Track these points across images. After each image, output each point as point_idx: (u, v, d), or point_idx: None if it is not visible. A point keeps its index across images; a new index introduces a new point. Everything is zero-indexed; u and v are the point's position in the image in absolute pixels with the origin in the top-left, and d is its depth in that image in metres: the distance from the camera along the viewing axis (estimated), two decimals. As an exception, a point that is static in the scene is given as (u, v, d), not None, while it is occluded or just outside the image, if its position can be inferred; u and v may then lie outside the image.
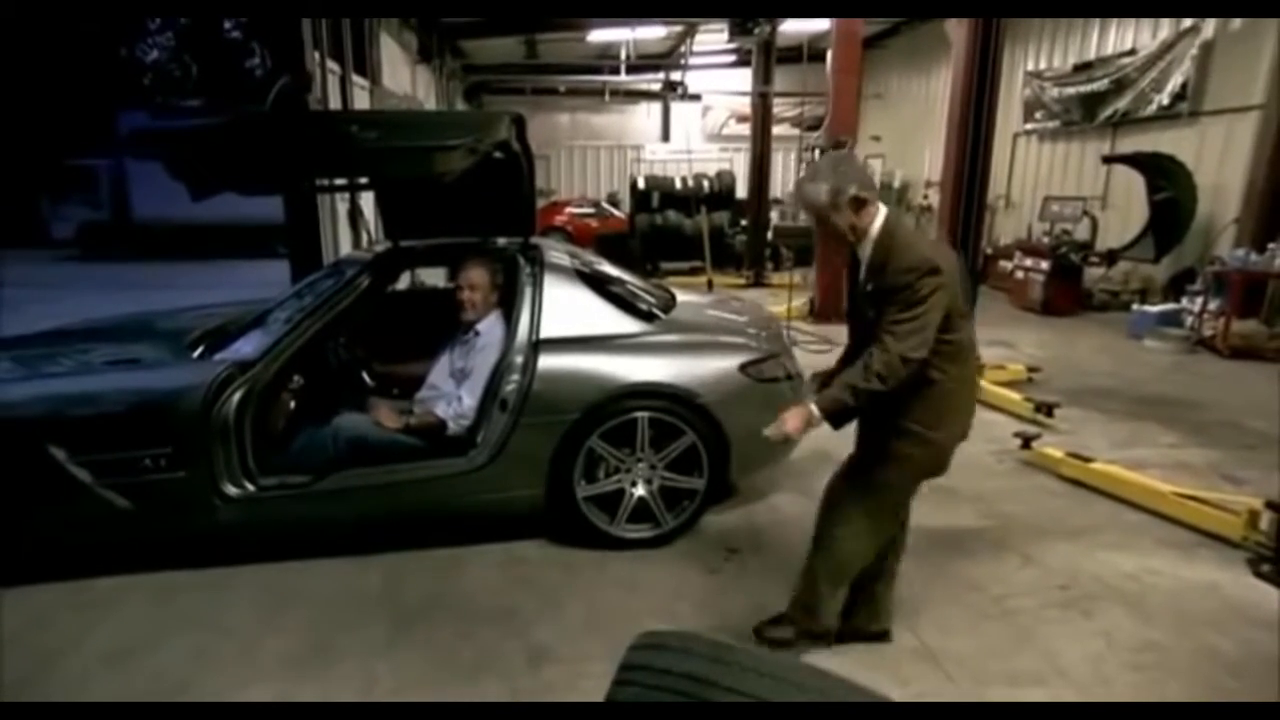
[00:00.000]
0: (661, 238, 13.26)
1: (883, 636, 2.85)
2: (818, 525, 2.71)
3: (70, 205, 18.20)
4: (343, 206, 8.20)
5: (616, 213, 17.35)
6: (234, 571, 3.34)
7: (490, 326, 3.71)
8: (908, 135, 16.67)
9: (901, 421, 2.47)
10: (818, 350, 7.49)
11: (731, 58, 18.52)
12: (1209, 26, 9.56)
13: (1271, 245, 7.82)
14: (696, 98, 18.87)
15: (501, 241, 4.07)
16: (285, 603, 3.13)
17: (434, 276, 6.89)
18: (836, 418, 2.46)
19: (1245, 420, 5.48)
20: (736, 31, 12.89)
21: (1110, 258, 10.20)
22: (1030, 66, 13.02)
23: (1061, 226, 11.00)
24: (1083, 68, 11.72)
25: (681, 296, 4.38)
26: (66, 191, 18.21)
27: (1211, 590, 3.25)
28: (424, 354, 4.00)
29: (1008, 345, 7.63)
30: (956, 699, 2.56)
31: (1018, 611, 3.08)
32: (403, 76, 12.64)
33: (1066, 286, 9.78)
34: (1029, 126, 13.12)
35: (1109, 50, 11.34)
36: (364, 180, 4.66)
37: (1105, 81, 11.18)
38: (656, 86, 19.94)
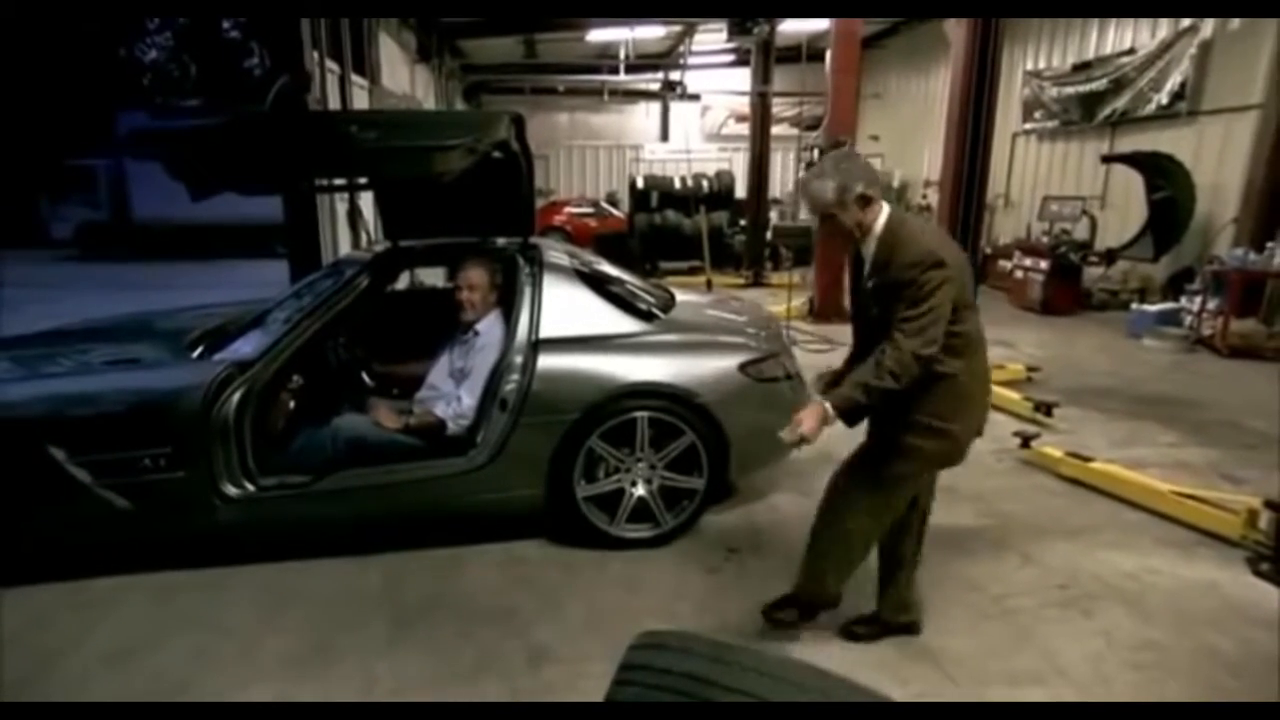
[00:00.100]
0: (660, 237, 13.26)
1: (911, 629, 2.88)
2: (822, 510, 2.73)
3: (69, 205, 18.20)
4: (342, 206, 8.20)
5: (615, 212, 17.35)
6: (233, 571, 3.34)
7: (489, 326, 3.71)
8: (907, 135, 16.68)
9: (914, 415, 2.47)
10: (817, 350, 7.50)
11: (730, 57, 18.52)
12: (1207, 26, 9.56)
13: (1270, 244, 7.82)
14: (695, 97, 18.86)
15: (501, 241, 4.06)
16: (285, 603, 3.13)
17: (433, 276, 6.89)
18: (850, 415, 2.46)
19: (1244, 419, 5.48)
20: (735, 31, 12.90)
21: (1109, 257, 10.21)
22: (1029, 66, 13.03)
23: (1060, 226, 11.00)
24: (1081, 67, 11.73)
25: (681, 296, 4.38)
26: (66, 192, 18.21)
27: (1211, 589, 3.25)
28: (423, 354, 4.00)
29: (1007, 345, 7.63)
30: (956, 699, 2.56)
31: (1017, 611, 3.08)
32: (401, 76, 12.63)
33: (1065, 286, 9.79)
34: (1028, 126, 13.12)
35: (1108, 50, 11.34)
36: (363, 180, 4.66)
37: (1104, 81, 11.19)
38: (655, 86, 19.94)
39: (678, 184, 13.89)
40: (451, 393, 3.64)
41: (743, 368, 3.63)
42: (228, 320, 4.03)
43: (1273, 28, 8.56)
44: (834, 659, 2.71)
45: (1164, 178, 9.48)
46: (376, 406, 3.65)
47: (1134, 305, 8.97)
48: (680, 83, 17.82)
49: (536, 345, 3.47)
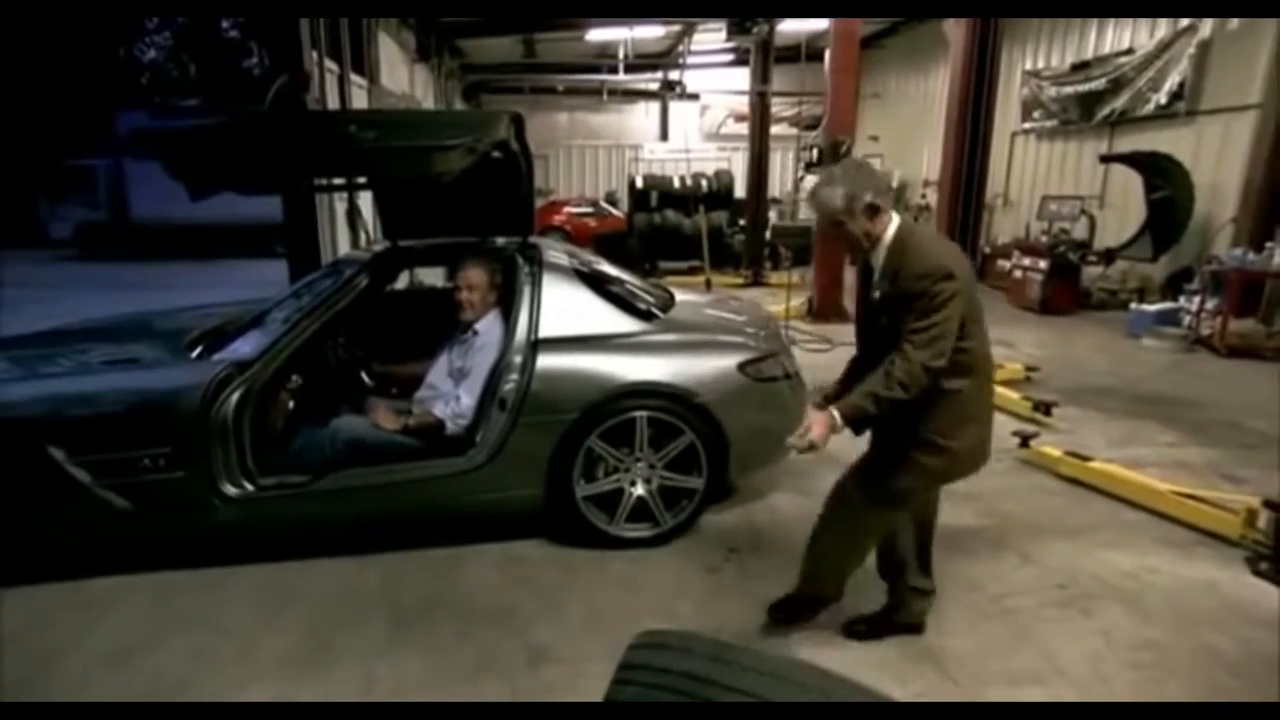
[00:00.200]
0: (660, 237, 13.26)
1: (912, 628, 2.89)
2: (824, 515, 2.75)
3: (69, 205, 18.19)
4: (341, 206, 8.19)
5: (615, 212, 17.35)
6: (232, 571, 3.34)
7: (489, 326, 3.70)
8: (906, 135, 16.68)
9: (916, 430, 2.47)
10: (816, 349, 7.50)
11: (730, 57, 18.51)
12: (1206, 26, 9.57)
13: (1269, 244, 7.83)
14: (695, 97, 18.84)
15: (500, 241, 4.06)
16: (284, 602, 3.13)
17: (432, 276, 6.89)
18: (858, 424, 2.46)
19: (1243, 419, 5.49)
20: (735, 31, 12.90)
21: (1108, 257, 10.21)
22: (1028, 66, 13.03)
23: (1059, 225, 11.01)
24: (1080, 67, 11.73)
25: (680, 296, 4.38)
26: (65, 191, 18.21)
27: (1210, 589, 3.25)
28: (422, 354, 4.00)
29: (1006, 344, 7.62)
30: (956, 698, 2.56)
31: (1016, 610, 3.08)
32: (401, 76, 12.63)
33: (1064, 285, 9.79)
34: (1027, 126, 13.13)
35: (1106, 49, 11.35)
36: (362, 180, 4.66)
37: (1103, 81, 11.19)
38: (655, 86, 19.90)
39: (677, 184, 13.89)
40: (450, 392, 3.64)
41: (742, 367, 3.63)
42: (227, 320, 4.03)
43: (1271, 27, 8.56)
44: (834, 658, 2.71)
45: (1163, 177, 9.48)
46: (375, 406, 3.65)
47: (1133, 305, 8.97)
48: (679, 82, 17.80)
49: (536, 345, 3.47)
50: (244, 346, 3.49)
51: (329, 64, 8.28)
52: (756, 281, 12.44)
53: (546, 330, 3.52)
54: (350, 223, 8.09)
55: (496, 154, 3.41)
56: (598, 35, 16.13)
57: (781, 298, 9.03)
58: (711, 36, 16.60)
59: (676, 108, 20.70)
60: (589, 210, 17.72)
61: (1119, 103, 10.92)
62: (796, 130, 15.07)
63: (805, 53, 13.64)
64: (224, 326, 3.92)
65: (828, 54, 9.36)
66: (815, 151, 9.90)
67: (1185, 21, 9.79)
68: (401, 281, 5.62)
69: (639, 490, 3.55)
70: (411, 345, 4.14)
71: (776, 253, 13.06)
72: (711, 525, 3.78)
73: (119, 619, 3.02)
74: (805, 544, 2.83)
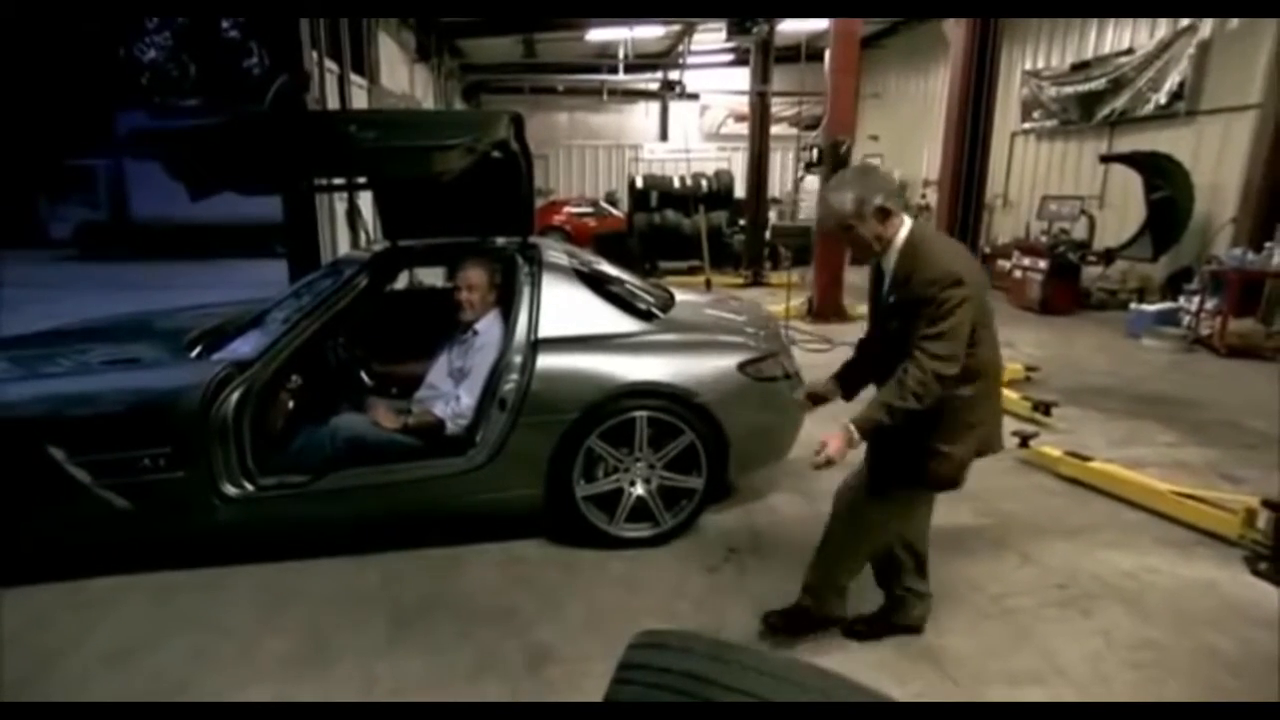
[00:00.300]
0: (660, 237, 13.26)
1: (912, 629, 2.89)
2: (830, 529, 2.75)
3: (69, 205, 18.17)
4: (341, 206, 8.19)
5: (615, 212, 17.35)
6: (232, 571, 3.34)
7: (488, 326, 3.71)
8: (906, 135, 16.68)
9: (920, 438, 2.45)
10: (816, 349, 7.50)
11: (729, 57, 18.52)
12: (1206, 26, 9.57)
13: (1268, 244, 7.83)
14: (695, 97, 18.85)
15: (500, 241, 4.06)
16: (284, 602, 3.13)
17: (432, 276, 6.89)
18: (874, 435, 2.43)
19: (1243, 419, 5.49)
20: (735, 31, 12.90)
21: (1108, 257, 10.21)
22: (1028, 66, 13.03)
23: (1059, 225, 11.01)
24: (1080, 67, 11.74)
25: (680, 296, 4.38)
26: (65, 191, 18.19)
27: (1210, 588, 3.25)
28: (422, 354, 4.00)
29: (1006, 344, 7.52)
30: (956, 698, 2.56)
31: (1016, 610, 3.08)
32: (401, 76, 12.63)
33: (1064, 285, 9.79)
34: (1027, 126, 13.13)
35: (1106, 49, 11.35)
36: (362, 180, 4.66)
37: (1103, 81, 11.19)
38: (655, 86, 19.93)
39: (677, 183, 13.89)
40: (450, 392, 3.64)
41: (742, 367, 3.63)
42: (227, 320, 4.03)
43: (1271, 27, 8.57)
44: (834, 658, 2.72)
45: (1162, 177, 9.48)
46: (375, 406, 3.65)
47: (1133, 305, 8.97)
48: (679, 82, 17.82)
49: (535, 345, 3.47)
50: (244, 346, 3.49)
51: (329, 64, 8.28)
52: (756, 281, 12.44)
53: (546, 330, 3.52)
54: (350, 223, 8.10)
55: (496, 154, 3.40)
56: (598, 35, 16.14)
57: (781, 298, 9.03)
58: (711, 36, 16.60)
59: (676, 108, 20.74)
60: (589, 210, 17.73)
61: (1119, 103, 10.92)
62: (796, 130, 15.07)
63: (805, 53, 13.63)
64: (224, 326, 3.92)
65: (828, 54, 9.36)
66: (815, 151, 9.91)
67: (1185, 21, 9.79)
68: (401, 281, 5.62)
69: (639, 490, 3.55)
70: (411, 345, 4.14)
71: (776, 253, 13.07)
72: (711, 525, 3.78)
73: (119, 619, 3.02)
74: (812, 553, 2.83)
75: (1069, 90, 11.93)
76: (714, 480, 3.61)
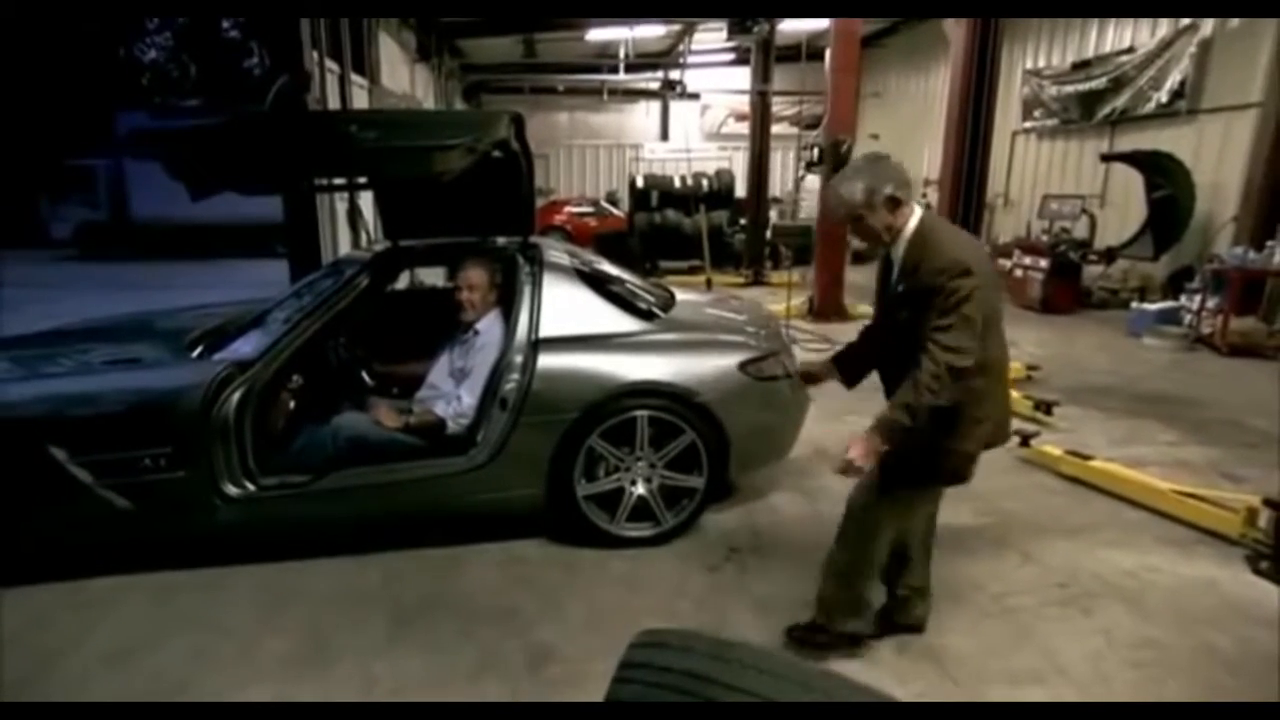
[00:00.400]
0: (660, 237, 13.26)
1: (913, 628, 2.89)
2: (844, 531, 2.69)
3: (69, 205, 18.18)
4: (342, 206, 8.20)
5: (615, 212, 17.35)
6: (233, 571, 3.34)
7: (489, 326, 3.71)
8: (906, 134, 16.67)
9: (932, 435, 2.42)
10: (816, 349, 7.49)
11: (730, 56, 18.53)
12: (1207, 24, 9.57)
13: (1270, 243, 7.83)
14: (695, 96, 18.86)
15: (500, 241, 4.06)
16: (284, 602, 3.13)
17: (433, 276, 6.89)
18: (897, 438, 2.37)
19: (1244, 418, 5.48)
20: (735, 30, 12.90)
21: (1109, 256, 10.21)
22: (1029, 65, 13.03)
23: (1060, 224, 11.02)
24: (1081, 66, 11.74)
25: (680, 295, 4.37)
26: (65, 191, 18.19)
27: (1210, 587, 3.25)
28: (423, 353, 4.00)
29: (1008, 343, 7.60)
30: (956, 698, 2.56)
31: (1017, 610, 3.08)
32: (401, 76, 12.64)
33: (1065, 284, 9.78)
34: (1027, 125, 13.13)
35: (1107, 48, 11.35)
36: (363, 180, 4.66)
37: (1104, 80, 11.19)
38: (655, 85, 19.95)
39: (677, 183, 13.89)
40: (451, 392, 3.64)
41: (742, 366, 3.63)
42: (228, 320, 4.03)
43: (1272, 26, 8.56)
44: (834, 657, 2.71)
45: (1164, 176, 9.48)
46: (377, 406, 3.65)
47: (1134, 304, 8.97)
48: (680, 82, 17.82)
49: (536, 344, 3.47)
50: (245, 346, 3.49)
51: (329, 64, 8.29)
52: (757, 281, 12.45)
53: (547, 330, 3.52)
54: (351, 222, 8.11)
55: (497, 154, 3.40)
56: (598, 35, 16.15)
57: (782, 297, 9.03)
58: (712, 36, 16.60)
59: (677, 107, 20.77)
60: (589, 210, 17.73)
61: (1120, 101, 10.92)
62: (797, 130, 15.08)
63: (806, 52, 13.64)
64: (225, 326, 3.92)
65: (828, 53, 9.36)
66: (816, 151, 9.90)
67: (1186, 20, 9.78)
68: (402, 281, 5.62)
69: (640, 489, 3.55)
70: (412, 345, 4.14)
71: (777, 252, 13.06)
72: (712, 524, 3.78)
73: (119, 619, 3.02)
74: (814, 553, 2.81)
75: (1070, 89, 11.93)
76: (715, 479, 3.61)
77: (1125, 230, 10.42)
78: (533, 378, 3.40)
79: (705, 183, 13.83)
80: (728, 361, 3.63)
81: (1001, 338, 2.51)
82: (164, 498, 3.17)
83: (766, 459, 3.94)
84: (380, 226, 4.48)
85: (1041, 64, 12.80)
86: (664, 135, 21.54)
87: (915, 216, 2.44)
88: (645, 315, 3.82)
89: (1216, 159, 9.50)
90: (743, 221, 13.70)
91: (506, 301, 3.72)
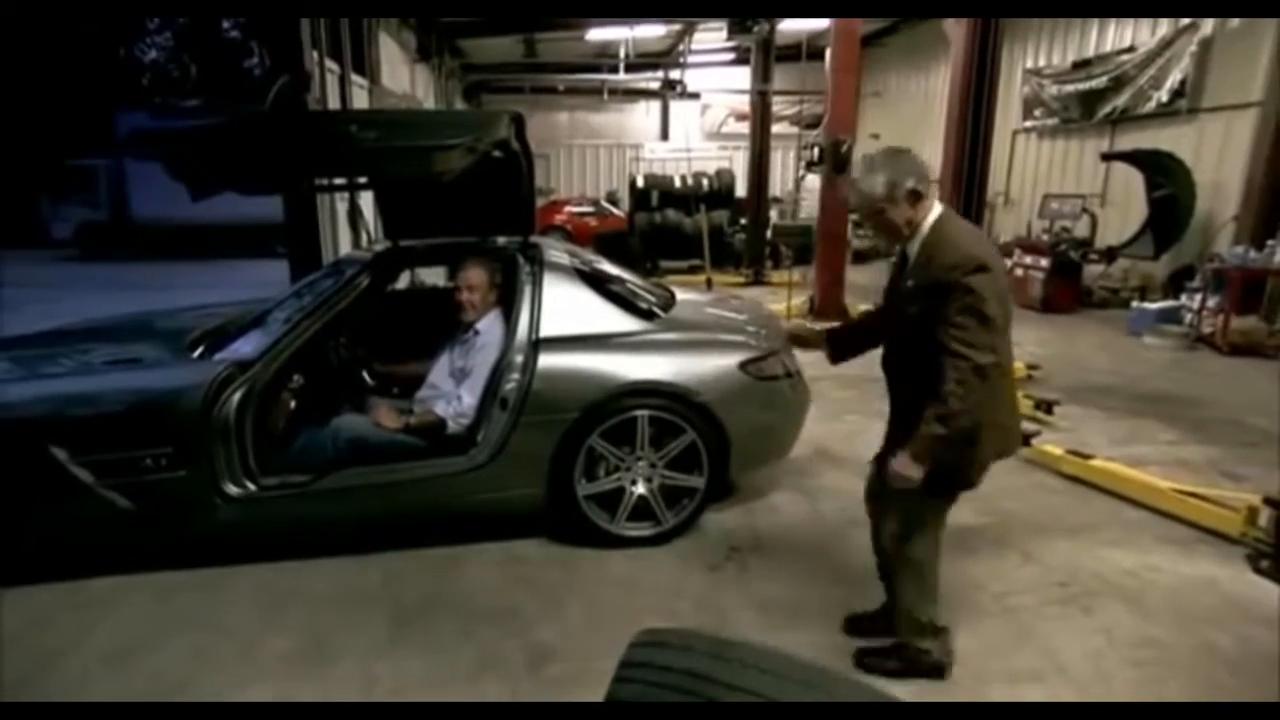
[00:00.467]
0: (661, 236, 13.25)
1: None
2: (880, 556, 2.66)
3: (69, 205, 18.17)
4: (342, 206, 8.20)
5: (616, 211, 17.35)
6: (233, 571, 3.34)
7: (489, 326, 3.71)
8: (907, 133, 16.64)
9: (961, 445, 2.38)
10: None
11: (730, 56, 18.53)
12: (1208, 23, 9.56)
13: (1270, 242, 7.83)
14: (695, 96, 18.86)
15: (501, 241, 4.06)
16: (284, 602, 3.13)
17: (434, 276, 6.89)
18: (937, 451, 2.31)
19: (1245, 417, 5.48)
20: (735, 30, 12.90)
21: (1110, 255, 10.21)
22: (1029, 64, 13.03)
23: (1061, 224, 11.01)
24: (1082, 65, 11.74)
25: (681, 295, 4.37)
26: (66, 192, 18.18)
27: (1211, 586, 3.25)
28: (424, 353, 4.00)
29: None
30: (956, 697, 2.56)
31: (1018, 609, 3.08)
32: (401, 76, 12.64)
33: (1066, 284, 9.78)
34: (1028, 124, 13.13)
35: (1108, 47, 11.35)
36: (363, 180, 4.66)
37: (1104, 79, 11.19)
38: (655, 85, 19.96)
39: (678, 183, 13.89)
40: (452, 392, 3.64)
41: (743, 366, 3.63)
42: (228, 320, 4.03)
43: (1273, 26, 8.56)
44: (832, 656, 2.72)
45: (1164, 175, 9.48)
46: (377, 406, 3.65)
47: (1134, 303, 8.97)
48: (680, 81, 17.83)
49: (537, 344, 3.47)
50: (245, 346, 3.49)
51: (330, 64, 8.29)
52: (757, 280, 12.44)
53: (547, 330, 3.52)
54: (351, 222, 8.11)
55: (497, 153, 3.40)
56: (598, 35, 16.15)
57: (783, 296, 9.04)
58: (712, 36, 16.61)
59: (677, 107, 20.77)
60: (590, 210, 17.73)
61: (1120, 101, 10.92)
62: (797, 129, 15.10)
63: (806, 51, 13.65)
64: (225, 326, 3.92)
65: (828, 53, 9.35)
66: (816, 150, 9.90)
67: (1186, 19, 9.78)
68: (403, 281, 5.63)
69: (640, 489, 3.55)
70: (413, 345, 4.14)
71: (777, 252, 13.06)
72: (713, 524, 3.78)
73: (119, 619, 3.02)
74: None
75: (1070, 88, 11.93)
76: (715, 479, 3.61)
77: (1126, 229, 10.41)
78: (533, 377, 3.40)
79: (705, 182, 13.83)
80: (728, 361, 3.63)
81: (1009, 344, 2.45)
82: (165, 497, 3.17)
83: (767, 458, 3.94)
84: (380, 226, 4.48)
85: (1042, 63, 12.80)
86: (664, 135, 21.54)
87: (934, 212, 2.41)
88: (645, 315, 3.82)
89: (1217, 158, 9.50)
90: (743, 221, 13.70)
91: (507, 301, 3.72)
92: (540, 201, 16.89)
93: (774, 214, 14.78)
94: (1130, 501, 4.03)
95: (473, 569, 3.40)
